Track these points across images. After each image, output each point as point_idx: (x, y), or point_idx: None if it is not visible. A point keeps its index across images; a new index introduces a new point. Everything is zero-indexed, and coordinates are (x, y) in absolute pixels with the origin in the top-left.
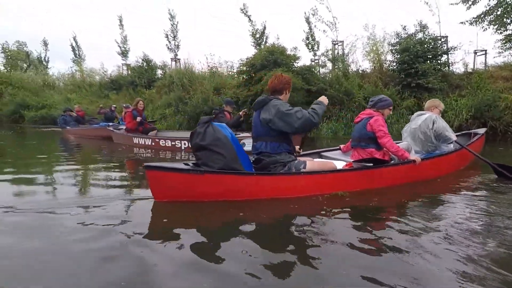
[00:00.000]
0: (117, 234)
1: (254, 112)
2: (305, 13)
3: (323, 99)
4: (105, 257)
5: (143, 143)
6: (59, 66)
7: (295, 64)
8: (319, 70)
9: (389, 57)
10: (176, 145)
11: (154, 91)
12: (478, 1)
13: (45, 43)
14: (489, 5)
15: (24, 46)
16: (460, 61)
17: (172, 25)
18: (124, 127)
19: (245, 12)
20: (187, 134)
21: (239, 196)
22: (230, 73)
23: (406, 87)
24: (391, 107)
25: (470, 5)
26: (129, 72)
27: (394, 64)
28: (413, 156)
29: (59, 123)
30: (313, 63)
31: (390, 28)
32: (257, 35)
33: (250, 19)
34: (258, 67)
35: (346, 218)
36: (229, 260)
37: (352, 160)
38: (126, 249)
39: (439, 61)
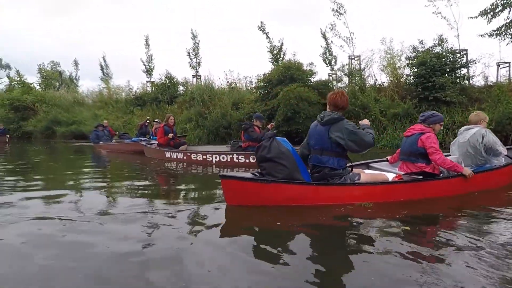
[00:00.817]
0: (202, 231)
1: (320, 125)
2: (321, 29)
3: (367, 122)
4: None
5: (175, 157)
6: (87, 84)
7: (311, 79)
8: (335, 85)
9: (406, 70)
10: (208, 159)
11: (175, 106)
12: (499, 15)
13: (76, 63)
14: (508, 18)
15: (57, 65)
16: (479, 74)
17: (194, 43)
18: (155, 142)
19: (263, 29)
20: (218, 148)
21: (299, 202)
22: (249, 88)
23: (423, 101)
24: (441, 123)
25: (490, 18)
26: (153, 89)
27: (411, 77)
28: (466, 170)
29: (91, 138)
30: (330, 77)
31: (408, 41)
32: (275, 51)
33: (267, 36)
34: (275, 83)
35: (395, 225)
36: (286, 256)
37: (402, 172)
38: (207, 240)
39: (457, 75)
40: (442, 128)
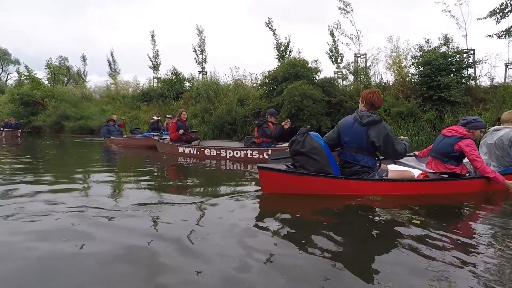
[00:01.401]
0: (245, 212)
1: (358, 125)
2: (328, 26)
3: (406, 139)
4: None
5: (188, 152)
6: (95, 79)
7: (316, 77)
8: (340, 82)
9: (412, 69)
10: (221, 154)
11: (181, 102)
12: (508, 15)
13: (84, 58)
14: None
15: (65, 61)
16: (485, 74)
17: (200, 39)
18: (167, 137)
19: (270, 26)
20: (231, 143)
21: (329, 192)
22: (254, 85)
23: (428, 100)
24: (483, 129)
25: (499, 19)
26: (159, 85)
27: (416, 76)
28: (507, 183)
29: (102, 132)
30: (336, 75)
31: (415, 40)
32: (281, 48)
33: (274, 33)
34: (280, 80)
35: (418, 218)
36: (315, 239)
37: (428, 169)
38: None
39: (463, 75)
40: (481, 135)
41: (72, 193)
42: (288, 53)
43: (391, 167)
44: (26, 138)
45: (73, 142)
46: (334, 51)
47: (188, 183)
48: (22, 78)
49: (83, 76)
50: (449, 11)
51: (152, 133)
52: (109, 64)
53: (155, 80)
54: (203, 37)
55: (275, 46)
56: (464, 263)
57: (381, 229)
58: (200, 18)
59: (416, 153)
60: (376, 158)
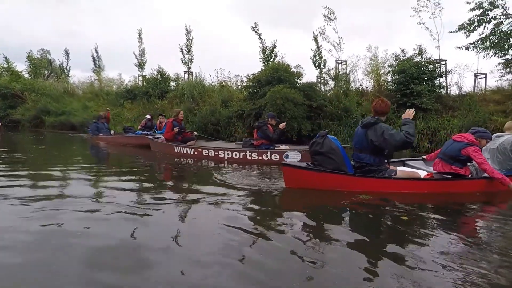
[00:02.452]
0: (270, 204)
1: (360, 128)
2: (313, 32)
3: (408, 114)
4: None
5: (184, 152)
6: (78, 74)
7: (298, 81)
8: (321, 87)
9: (388, 77)
10: (220, 155)
11: (166, 101)
12: (476, 29)
13: (67, 53)
14: (483, 33)
15: (47, 54)
16: (455, 84)
17: (187, 39)
18: (161, 136)
19: (256, 30)
20: (228, 145)
21: (342, 189)
22: (239, 87)
23: (402, 106)
24: (489, 140)
25: (468, 33)
26: (144, 83)
27: (392, 84)
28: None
29: (90, 130)
30: (319, 79)
31: (392, 49)
32: (267, 52)
33: (260, 37)
34: (263, 83)
35: (420, 213)
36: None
37: (434, 170)
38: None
39: (434, 83)
40: (487, 145)
41: (69, 189)
42: (273, 57)
43: (400, 168)
44: (6, 133)
45: (58, 138)
46: (317, 56)
47: (196, 182)
48: (0, 70)
49: (65, 71)
50: (424, 23)
51: (145, 132)
52: (94, 60)
53: (140, 78)
54: (190, 37)
55: (261, 50)
56: (463, 257)
57: (385, 223)
58: (189, 19)
59: (424, 156)
60: (385, 159)
